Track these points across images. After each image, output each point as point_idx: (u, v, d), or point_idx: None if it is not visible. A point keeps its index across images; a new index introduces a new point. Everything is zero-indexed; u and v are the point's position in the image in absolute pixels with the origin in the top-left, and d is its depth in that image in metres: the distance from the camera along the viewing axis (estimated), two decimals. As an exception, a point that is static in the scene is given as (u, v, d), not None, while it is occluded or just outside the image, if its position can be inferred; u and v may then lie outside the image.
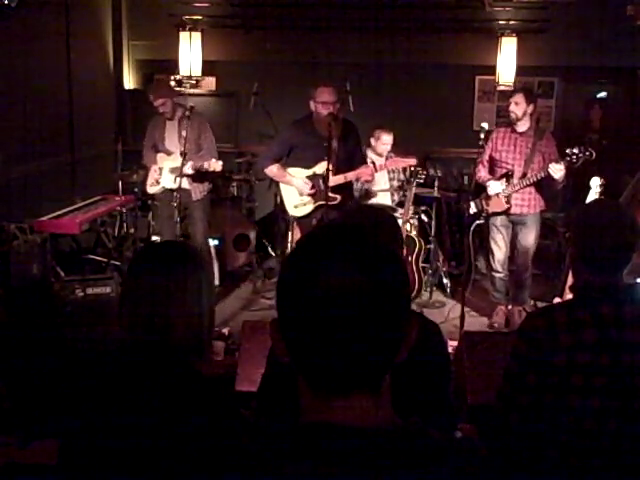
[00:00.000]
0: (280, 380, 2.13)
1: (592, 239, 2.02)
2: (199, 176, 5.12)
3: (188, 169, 4.95)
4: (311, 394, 0.96)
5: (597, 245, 2.00)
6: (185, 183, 5.05)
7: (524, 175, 4.95)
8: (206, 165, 4.92)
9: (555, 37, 6.92)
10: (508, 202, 5.01)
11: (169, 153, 5.21)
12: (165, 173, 5.17)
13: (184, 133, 4.98)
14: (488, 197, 5.12)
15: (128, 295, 1.69)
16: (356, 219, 2.35)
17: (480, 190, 5.25)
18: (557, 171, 4.69)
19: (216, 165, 4.91)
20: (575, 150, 4.68)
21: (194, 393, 1.57)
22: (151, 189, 5.34)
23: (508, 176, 5.01)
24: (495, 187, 5.02)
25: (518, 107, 4.93)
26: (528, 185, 4.95)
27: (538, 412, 1.98)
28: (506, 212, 5.07)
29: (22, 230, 4.65)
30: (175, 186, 4.96)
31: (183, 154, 4.88)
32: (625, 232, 2.00)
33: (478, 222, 5.18)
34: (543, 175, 4.83)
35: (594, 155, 4.65)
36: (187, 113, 4.98)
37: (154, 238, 6.00)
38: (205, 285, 1.70)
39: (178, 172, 4.91)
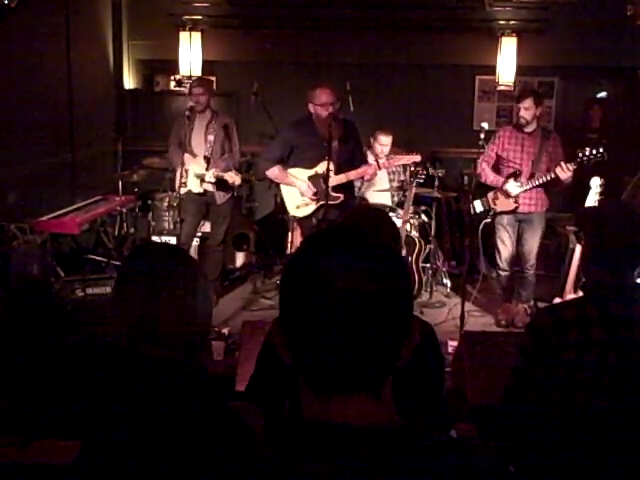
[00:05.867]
0: (271, 376, 2.15)
1: (605, 239, 2.02)
2: (220, 184, 5.30)
3: (210, 177, 5.20)
4: (312, 393, 0.96)
5: (610, 245, 2.01)
6: (209, 187, 5.31)
7: (532, 175, 4.96)
8: (226, 177, 5.17)
9: (555, 37, 6.92)
10: (516, 201, 5.03)
11: (194, 155, 5.29)
12: (191, 176, 5.29)
13: (210, 138, 5.23)
14: (495, 196, 5.13)
15: (119, 295, 1.68)
16: (357, 220, 2.35)
17: (483, 189, 5.25)
18: (565, 171, 4.70)
19: (236, 178, 5.18)
20: (587, 151, 4.68)
21: (190, 397, 1.56)
22: (180, 190, 5.39)
23: (516, 175, 5.02)
24: (513, 189, 5.00)
25: (528, 112, 4.94)
26: (537, 186, 4.96)
27: (545, 409, 1.98)
28: (513, 211, 5.08)
29: (22, 230, 4.65)
30: (200, 190, 5.31)
31: (207, 159, 5.19)
32: (638, 233, 2.01)
33: (486, 221, 5.17)
34: (552, 176, 4.83)
35: (606, 156, 4.65)
36: (214, 118, 5.28)
37: (154, 238, 6.00)
38: (200, 289, 1.68)
39: (202, 178, 5.25)
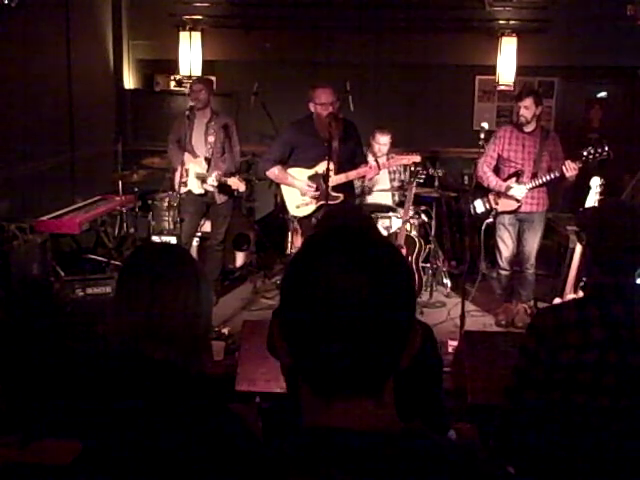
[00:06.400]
0: None
1: (608, 240, 2.02)
2: (222, 188, 5.29)
3: (213, 181, 5.17)
4: (312, 396, 0.95)
5: (611, 246, 2.01)
6: (209, 187, 5.29)
7: (535, 175, 4.96)
8: (230, 182, 5.16)
9: (555, 37, 6.92)
10: (519, 201, 5.02)
11: (195, 155, 5.30)
12: (191, 176, 5.29)
13: (210, 139, 5.23)
14: (497, 196, 5.13)
15: (120, 296, 1.67)
16: (332, 220, 2.36)
17: (483, 189, 5.25)
18: (571, 170, 4.71)
19: (240, 185, 5.17)
20: (591, 150, 4.69)
21: (190, 398, 1.56)
22: (180, 189, 5.39)
23: (518, 175, 5.02)
24: (519, 194, 5.00)
25: (528, 111, 4.94)
26: (541, 185, 4.97)
27: (545, 409, 1.98)
28: (515, 210, 5.08)
29: (22, 230, 4.65)
30: (201, 191, 5.30)
31: (208, 160, 5.20)
32: (638, 233, 2.00)
33: (488, 221, 5.16)
34: (557, 174, 4.84)
35: (612, 155, 4.66)
36: (214, 118, 5.28)
37: (154, 238, 6.00)
38: (202, 289, 1.67)
39: (203, 179, 5.23)
